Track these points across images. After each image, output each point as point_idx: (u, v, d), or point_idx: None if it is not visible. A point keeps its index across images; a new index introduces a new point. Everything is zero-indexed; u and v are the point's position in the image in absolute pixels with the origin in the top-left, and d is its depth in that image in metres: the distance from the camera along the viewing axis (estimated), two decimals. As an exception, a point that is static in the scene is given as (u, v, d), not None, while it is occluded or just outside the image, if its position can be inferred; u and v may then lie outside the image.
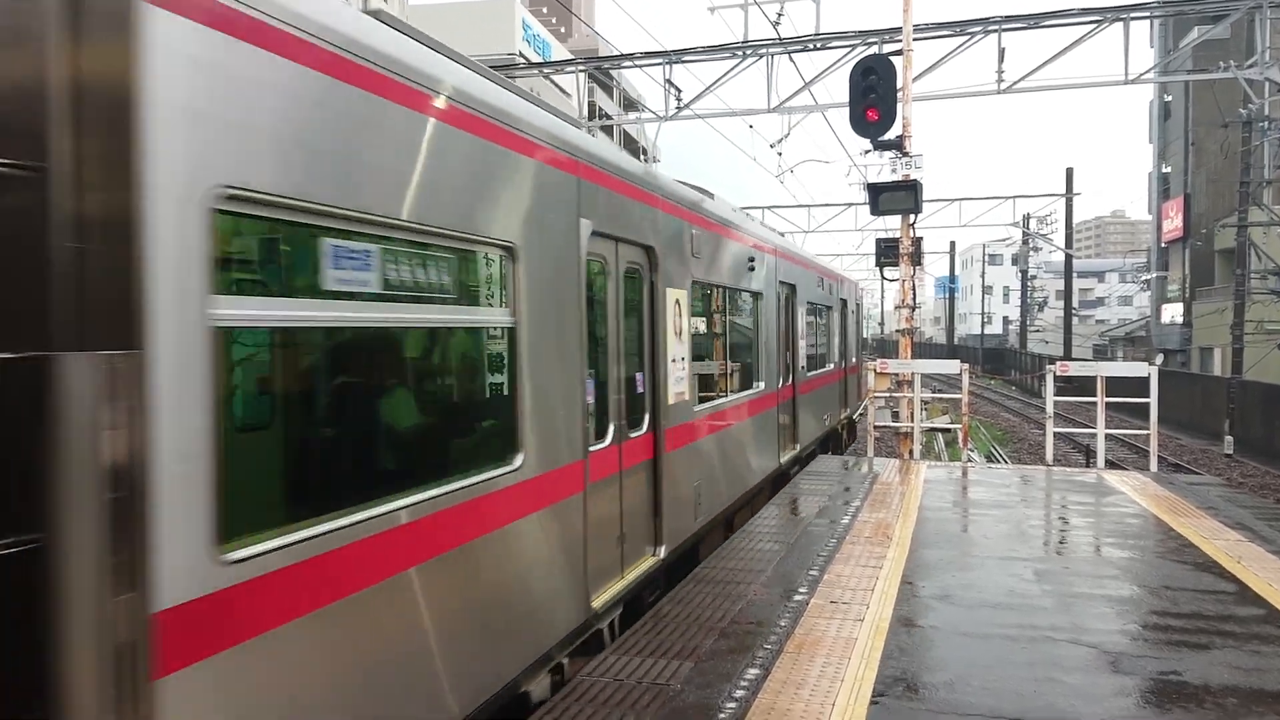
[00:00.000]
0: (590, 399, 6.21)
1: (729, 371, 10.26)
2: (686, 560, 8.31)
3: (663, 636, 5.88)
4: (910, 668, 5.35)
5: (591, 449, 6.20)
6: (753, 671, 5.27)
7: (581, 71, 24.65)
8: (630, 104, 52.84)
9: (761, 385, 11.48)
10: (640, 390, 7.34)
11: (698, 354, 9.07)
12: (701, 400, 8.95)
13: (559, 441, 5.68)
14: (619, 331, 6.88)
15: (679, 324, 8.08)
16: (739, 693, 4.98)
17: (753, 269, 11.09)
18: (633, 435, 7.13)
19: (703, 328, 9.58)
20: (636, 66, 22.47)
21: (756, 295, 11.49)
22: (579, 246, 6.01)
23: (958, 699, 4.91)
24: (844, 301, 19.83)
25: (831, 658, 5.48)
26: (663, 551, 7.55)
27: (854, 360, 21.69)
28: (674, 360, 7.89)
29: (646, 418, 7.43)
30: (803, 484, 11.72)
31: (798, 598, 6.66)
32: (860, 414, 21.56)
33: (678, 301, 8.05)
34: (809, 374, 14.89)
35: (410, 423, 4.59)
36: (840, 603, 6.54)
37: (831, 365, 17.86)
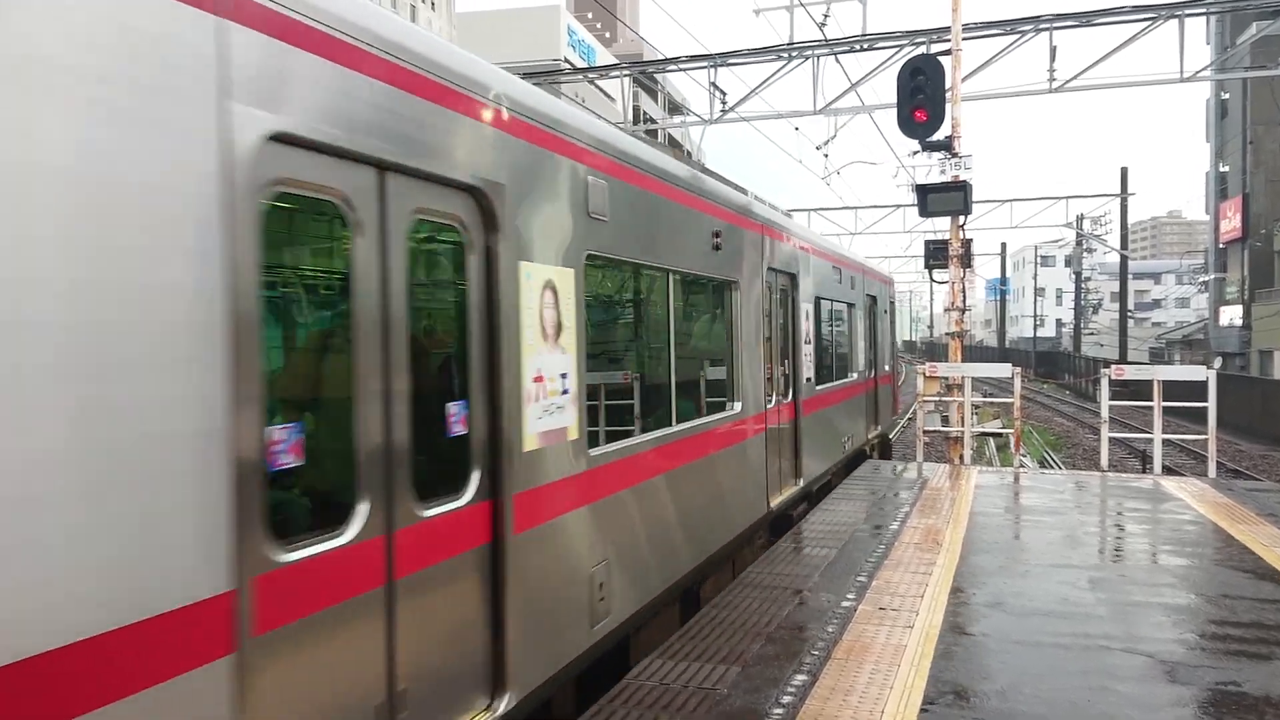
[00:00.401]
0: (291, 460, 3.45)
1: (674, 390, 7.27)
2: (605, 675, 5.81)
3: (709, 641, 5.87)
4: (961, 676, 5.29)
5: (287, 558, 3.32)
6: (800, 677, 5.25)
7: (626, 76, 24.74)
8: (675, 108, 52.90)
9: (737, 406, 8.60)
10: (460, 432, 4.45)
11: (608, 366, 6.64)
12: (610, 437, 6.14)
13: (91, 582, 2.63)
14: (391, 329, 3.92)
15: (553, 320, 5.17)
16: (786, 698, 4.96)
17: (720, 248, 8.19)
18: (430, 513, 4.14)
19: (617, 327, 7.21)
20: (681, 70, 22.48)
21: (728, 285, 8.61)
22: (218, 155, 3.08)
23: (1010, 708, 4.85)
24: (873, 299, 17.00)
25: (880, 664, 5.43)
26: (507, 704, 4.60)
27: (886, 368, 18.66)
28: (539, 379, 5.00)
29: (475, 477, 4.49)
30: (850, 489, 11.63)
31: (846, 604, 6.61)
32: (903, 427, 21.05)
33: (551, 285, 5.14)
34: (819, 388, 12.08)
35: None
36: (889, 609, 6.48)
37: (855, 375, 15.00)
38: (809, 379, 11.47)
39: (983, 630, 6.09)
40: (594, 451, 5.70)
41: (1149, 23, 18.37)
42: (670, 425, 7.10)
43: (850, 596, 6.79)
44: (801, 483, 10.93)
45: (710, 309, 8.76)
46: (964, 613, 6.44)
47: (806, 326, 11.39)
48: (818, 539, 8.67)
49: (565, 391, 5.30)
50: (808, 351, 11.41)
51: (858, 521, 9.45)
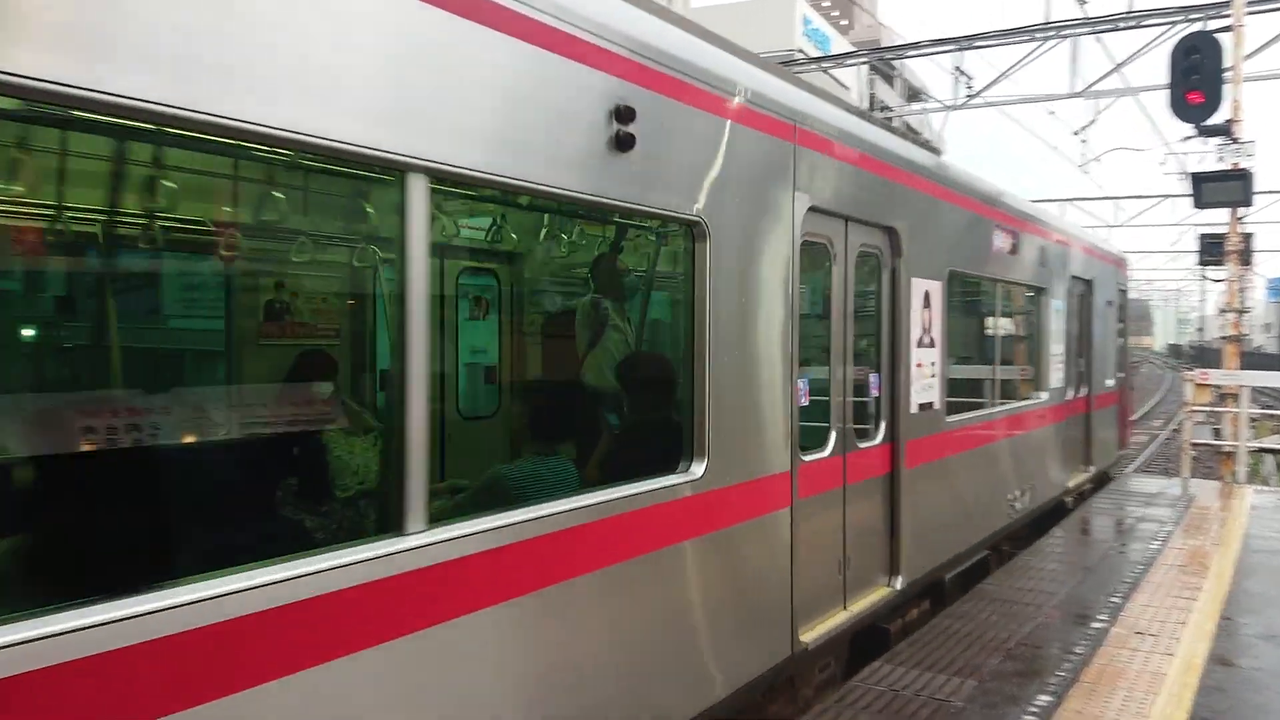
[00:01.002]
0: None
1: (444, 445, 3.92)
2: None
3: (941, 651, 5.70)
4: (1227, 711, 4.85)
5: None
6: (1043, 698, 4.99)
7: (863, 63, 24.18)
8: (913, 94, 51.14)
9: (695, 471, 4.43)
10: None
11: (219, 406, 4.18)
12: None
13: None
14: None
15: None
16: (1027, 719, 4.73)
17: (631, 144, 3.92)
18: None
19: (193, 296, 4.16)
20: (924, 55, 21.68)
21: (685, 229, 4.50)
22: None
23: (1288, 755, 4.40)
24: (1086, 283, 11.86)
25: (1134, 692, 5.07)
26: None
27: (1109, 383, 13.25)
28: None
29: None
30: (1102, 505, 10.87)
31: (1096, 625, 6.21)
32: (1167, 439, 18.92)
33: None
34: (953, 419, 7.59)
35: None
36: (1146, 634, 6.02)
37: (1043, 395, 9.96)
38: (926, 405, 7.04)
39: (1254, 664, 5.55)
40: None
41: None
42: (462, 522, 3.26)
43: (1101, 618, 6.36)
44: (900, 582, 6.51)
45: (611, 280, 5.08)
46: (1233, 643, 5.90)
47: (924, 320, 7.00)
48: (1064, 555, 8.19)
49: None
50: (925, 360, 7.03)
51: (1111, 539, 8.84)
